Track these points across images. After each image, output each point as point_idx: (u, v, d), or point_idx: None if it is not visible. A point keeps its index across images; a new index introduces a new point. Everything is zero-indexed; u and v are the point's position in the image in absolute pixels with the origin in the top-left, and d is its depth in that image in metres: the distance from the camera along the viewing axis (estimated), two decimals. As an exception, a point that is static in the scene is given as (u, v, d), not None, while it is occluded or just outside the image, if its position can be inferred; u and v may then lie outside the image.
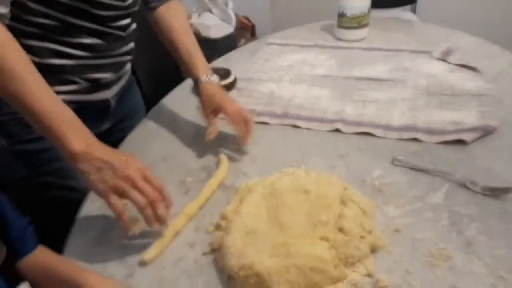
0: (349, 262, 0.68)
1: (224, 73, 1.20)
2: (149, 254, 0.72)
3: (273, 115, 1.10)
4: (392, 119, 1.05)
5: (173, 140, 1.02)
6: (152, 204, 0.70)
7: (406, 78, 1.22)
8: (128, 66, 1.06)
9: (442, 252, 0.71)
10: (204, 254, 0.74)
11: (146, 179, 0.71)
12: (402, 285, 0.67)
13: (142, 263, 0.72)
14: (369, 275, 0.68)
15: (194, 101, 1.13)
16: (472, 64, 1.25)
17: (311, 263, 0.65)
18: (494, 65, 1.26)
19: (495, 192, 0.82)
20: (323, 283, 0.65)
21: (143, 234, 0.74)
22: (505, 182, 0.83)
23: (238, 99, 1.16)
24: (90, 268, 0.72)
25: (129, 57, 1.01)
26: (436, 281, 0.67)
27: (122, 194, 0.69)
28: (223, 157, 0.93)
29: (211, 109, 0.95)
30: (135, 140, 1.05)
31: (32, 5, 0.80)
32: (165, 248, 0.74)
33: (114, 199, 0.68)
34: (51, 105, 0.68)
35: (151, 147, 1.01)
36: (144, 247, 0.74)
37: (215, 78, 0.98)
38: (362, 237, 0.70)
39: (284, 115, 1.09)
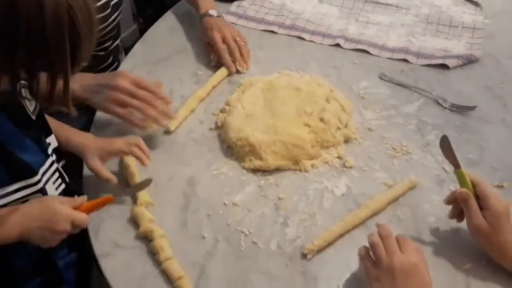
0: (324, 145, 0.84)
1: (241, -18, 1.29)
2: (172, 125, 0.88)
3: (281, 25, 1.21)
4: (388, 41, 1.16)
5: (190, 35, 1.14)
6: (151, 104, 0.81)
7: (410, 5, 1.31)
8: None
9: (403, 148, 0.87)
10: (210, 129, 0.90)
11: (140, 86, 0.81)
12: (363, 166, 0.83)
13: (167, 132, 0.89)
14: (339, 157, 0.85)
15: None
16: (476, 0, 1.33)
17: (293, 140, 0.81)
18: (499, 4, 1.33)
19: (460, 109, 0.96)
20: (301, 157, 0.81)
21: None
22: (472, 103, 0.97)
23: (251, 7, 1.27)
24: (116, 131, 0.88)
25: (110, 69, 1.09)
26: (393, 167, 0.83)
27: (123, 104, 0.80)
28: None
29: (206, 41, 1.04)
30: (156, 33, 1.17)
31: None
32: (183, 121, 0.91)
33: (117, 108, 0.80)
34: None
35: (169, 41, 1.13)
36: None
37: (213, 12, 1.06)
38: (338, 128, 0.86)
39: (292, 27, 1.20)
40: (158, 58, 1.08)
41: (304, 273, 0.68)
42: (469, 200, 0.66)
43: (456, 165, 0.70)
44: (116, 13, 1.08)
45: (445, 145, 0.72)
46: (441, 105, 0.97)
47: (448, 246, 0.71)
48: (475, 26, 1.22)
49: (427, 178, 0.81)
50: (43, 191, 0.68)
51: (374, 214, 0.75)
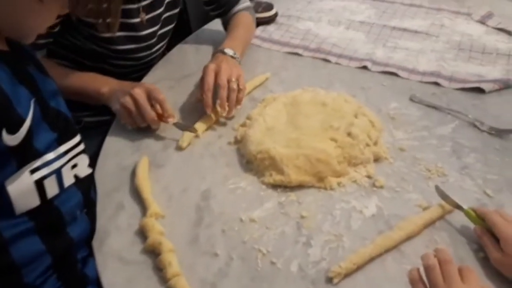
0: (352, 162, 0.78)
1: (266, 6, 1.28)
2: (183, 141, 0.84)
3: (307, 48, 1.18)
4: (418, 65, 1.11)
5: (209, 56, 1.11)
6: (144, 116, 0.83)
7: (440, 34, 1.27)
8: None
9: (438, 170, 0.79)
10: (229, 143, 0.85)
11: (150, 94, 0.83)
12: (396, 187, 0.76)
13: (178, 148, 0.84)
14: (368, 176, 0.77)
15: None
16: (510, 29, 1.28)
17: (317, 155, 0.75)
18: (533, 32, 1.28)
19: (500, 132, 0.88)
20: (326, 174, 0.75)
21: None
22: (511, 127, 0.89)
23: (276, 32, 1.26)
24: (132, 140, 0.85)
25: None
26: (427, 189, 0.75)
27: (129, 111, 0.83)
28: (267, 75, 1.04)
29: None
30: (179, 53, 1.15)
31: (63, 52, 0.97)
32: (195, 136, 0.86)
33: (124, 113, 0.84)
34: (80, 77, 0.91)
35: (193, 60, 1.12)
36: (179, 132, 0.87)
37: (229, 51, 0.97)
38: (367, 145, 0.79)
39: (317, 50, 1.17)
40: (181, 75, 1.06)
41: (329, 299, 0.59)
42: (483, 236, 0.64)
43: (459, 207, 0.69)
44: (162, 43, 1.09)
45: (442, 193, 0.71)
46: (478, 128, 0.90)
47: (494, 276, 0.62)
48: (511, 53, 1.17)
49: (467, 202, 0.72)
50: (86, 153, 0.64)
51: (409, 237, 0.66)
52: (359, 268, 0.62)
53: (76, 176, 0.62)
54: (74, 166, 0.61)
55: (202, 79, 0.89)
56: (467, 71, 1.10)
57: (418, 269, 0.56)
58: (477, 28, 1.31)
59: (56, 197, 0.58)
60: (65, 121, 0.62)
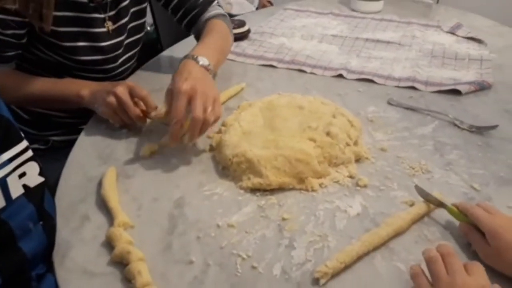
0: (333, 162, 0.74)
1: (238, 23, 1.28)
2: (143, 151, 0.79)
3: (281, 61, 1.17)
4: (394, 72, 1.11)
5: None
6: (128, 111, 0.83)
7: (413, 43, 1.28)
8: None
9: (422, 167, 0.77)
10: (204, 151, 0.81)
11: (133, 91, 0.83)
12: (380, 186, 0.72)
13: (142, 157, 0.79)
14: (351, 176, 0.74)
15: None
16: (480, 37, 1.30)
17: (296, 155, 0.71)
18: (501, 41, 1.30)
19: (480, 129, 0.87)
20: (307, 174, 0.71)
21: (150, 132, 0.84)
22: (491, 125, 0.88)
23: (249, 47, 1.25)
24: (100, 152, 0.80)
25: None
26: (412, 185, 0.72)
27: (113, 109, 0.83)
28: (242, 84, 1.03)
29: (170, 87, 0.79)
30: (150, 69, 1.13)
31: (29, 67, 0.94)
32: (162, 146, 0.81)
33: (108, 111, 0.83)
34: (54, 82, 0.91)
35: (163, 76, 1.08)
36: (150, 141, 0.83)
37: (200, 59, 0.84)
38: (348, 144, 0.76)
39: (291, 62, 1.16)
40: (150, 89, 1.02)
41: (316, 303, 0.54)
42: (468, 233, 0.61)
43: (441, 205, 0.66)
44: (129, 54, 1.05)
45: (422, 192, 0.68)
46: (459, 127, 0.88)
47: (489, 270, 0.58)
48: (482, 58, 1.18)
49: (454, 197, 0.70)
50: (35, 160, 0.58)
51: (397, 233, 0.62)
52: (347, 267, 0.57)
53: (25, 186, 0.56)
54: (22, 175, 0.56)
55: (174, 103, 0.74)
56: (442, 75, 1.10)
57: (419, 265, 0.53)
58: (447, 38, 1.33)
59: (3, 210, 0.52)
60: (7, 125, 0.55)
